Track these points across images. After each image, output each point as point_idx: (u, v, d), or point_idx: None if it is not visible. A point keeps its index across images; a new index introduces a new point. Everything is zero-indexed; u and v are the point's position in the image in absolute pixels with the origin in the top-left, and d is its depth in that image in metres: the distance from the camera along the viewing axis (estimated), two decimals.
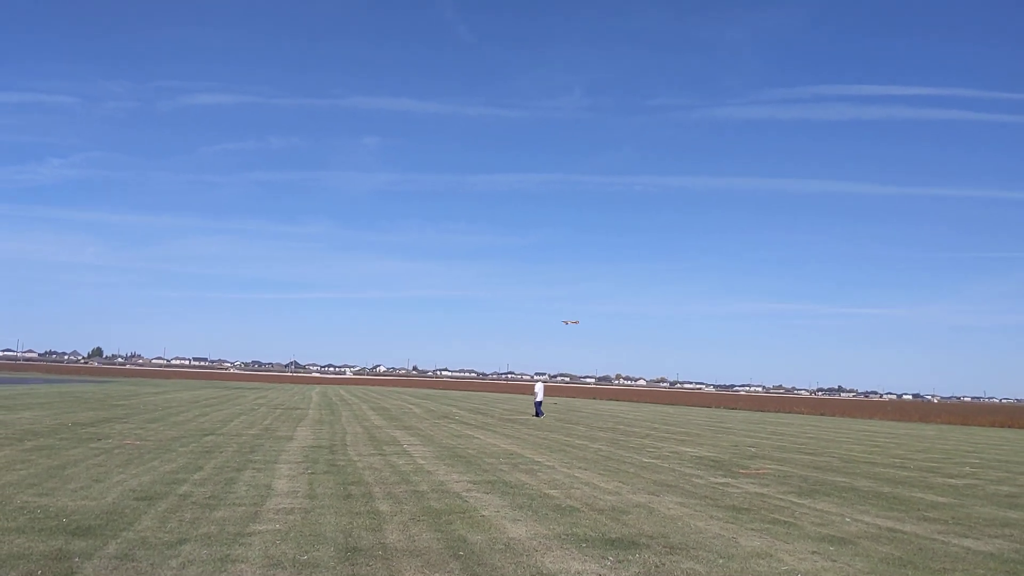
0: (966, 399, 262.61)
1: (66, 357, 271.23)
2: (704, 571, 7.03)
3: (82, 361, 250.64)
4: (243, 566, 6.59)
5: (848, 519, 10.13)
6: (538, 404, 34.77)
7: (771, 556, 7.74)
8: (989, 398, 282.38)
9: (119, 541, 7.26)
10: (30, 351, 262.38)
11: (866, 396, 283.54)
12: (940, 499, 12.44)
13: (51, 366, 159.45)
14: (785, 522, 9.70)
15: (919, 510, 11.16)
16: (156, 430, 19.42)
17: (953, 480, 15.39)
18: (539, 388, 36.01)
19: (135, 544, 7.18)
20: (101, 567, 6.36)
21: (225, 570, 6.44)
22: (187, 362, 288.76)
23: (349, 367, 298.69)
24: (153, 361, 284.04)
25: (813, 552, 8.00)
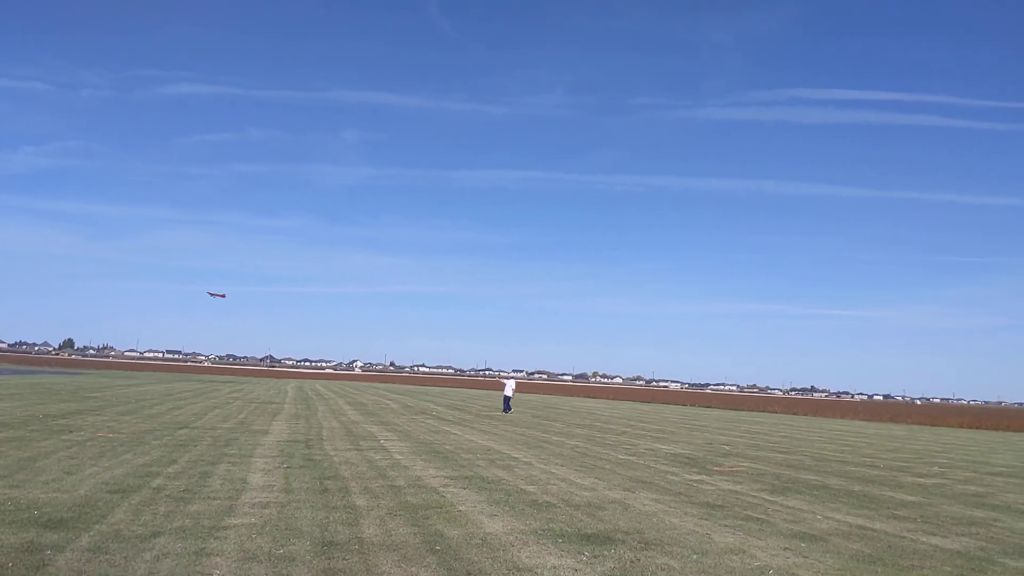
0: (935, 400, 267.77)
1: (36, 348, 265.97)
2: (678, 567, 7.12)
3: (53, 352, 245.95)
4: (218, 559, 6.54)
5: (819, 517, 10.30)
6: (507, 399, 34.89)
7: (744, 552, 7.85)
8: (958, 399, 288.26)
9: (92, 534, 7.17)
10: (0, 342, 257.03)
11: (838, 396, 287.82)
12: (909, 498, 12.70)
13: (21, 357, 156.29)
14: (758, 519, 9.85)
15: (889, 508, 11.38)
16: (129, 423, 19.15)
17: (922, 479, 15.72)
18: (511, 384, 36.11)
19: (108, 537, 7.09)
20: (74, 560, 6.28)
21: (200, 563, 6.39)
22: (160, 355, 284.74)
23: (357, 362, 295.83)
24: (125, 353, 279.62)
25: (785, 548, 8.14)
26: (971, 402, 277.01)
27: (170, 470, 11.44)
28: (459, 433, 21.74)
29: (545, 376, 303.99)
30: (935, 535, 9.42)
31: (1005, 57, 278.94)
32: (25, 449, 12.89)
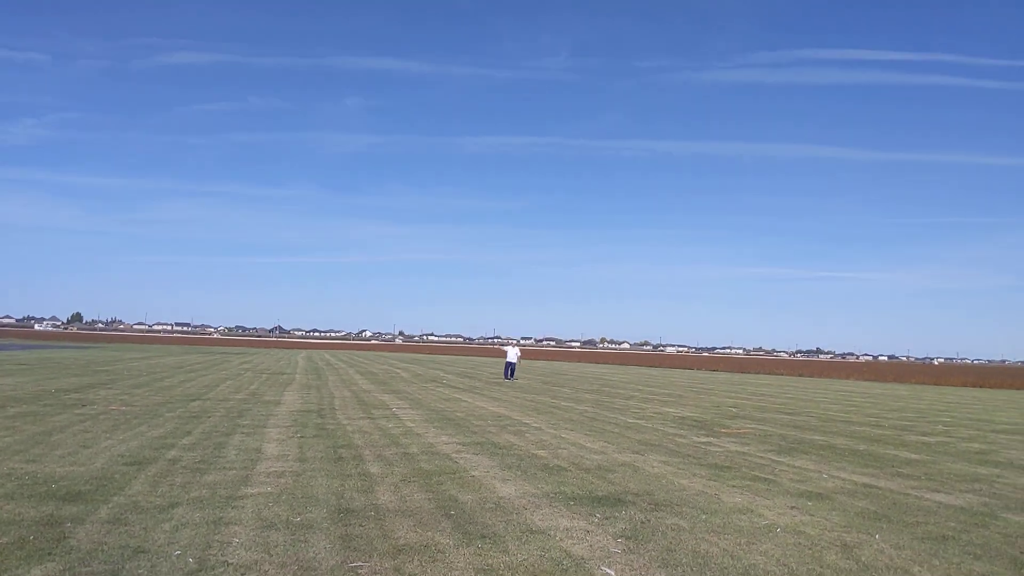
0: (939, 360, 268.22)
1: (44, 323, 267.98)
2: (687, 526, 7.24)
3: (61, 327, 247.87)
4: (237, 528, 6.68)
5: (825, 475, 10.43)
6: (510, 366, 35.06)
7: (752, 511, 7.97)
8: (962, 359, 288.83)
9: (110, 506, 7.31)
10: (7, 317, 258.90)
11: (843, 358, 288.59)
12: (914, 456, 12.82)
13: (29, 332, 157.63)
14: (765, 479, 9.97)
15: (893, 466, 11.50)
16: (142, 395, 19.38)
17: (926, 438, 15.85)
18: (514, 351, 36.28)
19: (127, 508, 7.23)
20: (93, 531, 6.41)
21: (219, 532, 6.52)
22: (169, 328, 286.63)
23: (400, 332, 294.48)
24: (134, 327, 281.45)
25: (792, 507, 8.26)
26: (975, 361, 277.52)
27: (184, 442, 11.61)
28: (469, 400, 21.95)
29: (553, 343, 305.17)
30: (939, 492, 9.53)
31: (1016, 15, 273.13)
32: (39, 424, 13.08)
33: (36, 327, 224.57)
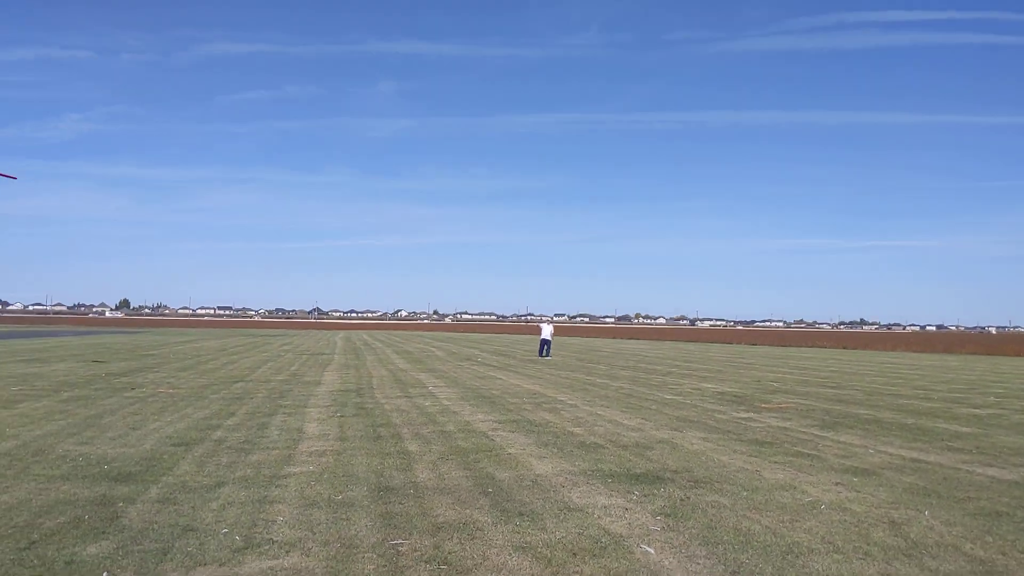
0: (991, 329, 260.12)
1: (94, 309, 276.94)
2: (728, 503, 7.15)
3: (109, 313, 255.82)
4: (281, 506, 6.81)
5: (871, 451, 10.20)
6: (546, 343, 35.05)
7: (795, 488, 7.84)
8: (1015, 327, 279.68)
9: (160, 486, 7.52)
10: (59, 304, 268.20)
11: (889, 328, 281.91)
12: (964, 429, 12.46)
13: (80, 318, 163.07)
14: (808, 455, 9.79)
15: (943, 440, 11.20)
16: (187, 378, 19.91)
17: (977, 410, 15.38)
18: (548, 328, 36.24)
19: (175, 488, 7.44)
20: (145, 511, 6.61)
21: (264, 510, 6.66)
22: (212, 311, 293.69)
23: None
24: (179, 311, 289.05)
25: (836, 483, 8.09)
26: None
27: (229, 422, 11.88)
28: (504, 378, 22.03)
29: (587, 319, 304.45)
30: (991, 466, 9.24)
31: None
32: (91, 407, 13.53)
33: (107, 315, 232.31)
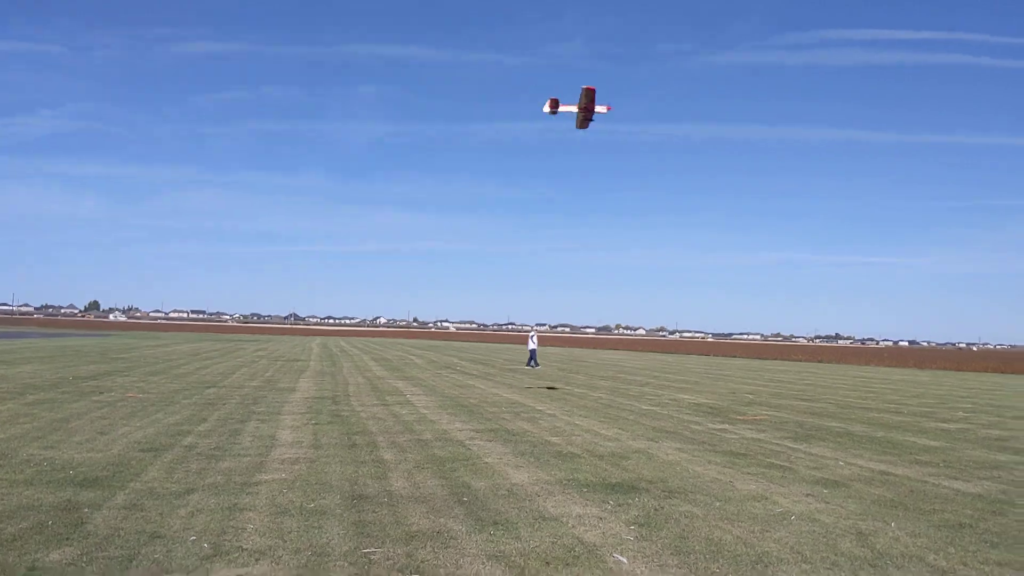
0: (960, 346, 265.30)
1: (62, 311, 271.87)
2: (701, 514, 7.20)
3: (79, 315, 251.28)
4: (251, 514, 6.73)
5: (842, 463, 10.33)
6: (532, 352, 35.09)
7: (767, 499, 7.91)
8: (983, 344, 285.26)
9: (127, 492, 7.39)
10: (26, 305, 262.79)
11: (863, 343, 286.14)
12: (932, 443, 12.67)
13: (48, 320, 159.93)
14: (781, 466, 9.90)
15: (911, 454, 11.38)
16: (158, 383, 19.60)
17: (945, 424, 15.66)
18: (535, 338, 36.33)
19: (143, 494, 7.31)
20: (111, 517, 6.49)
21: (234, 518, 6.57)
22: (185, 315, 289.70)
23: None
24: (151, 314, 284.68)
25: (807, 495, 8.19)
26: (997, 347, 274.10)
27: (200, 428, 11.71)
28: (483, 387, 21.99)
29: (568, 329, 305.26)
30: (957, 479, 9.41)
31: None
32: (57, 411, 13.25)
33: (110, 318, 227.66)
